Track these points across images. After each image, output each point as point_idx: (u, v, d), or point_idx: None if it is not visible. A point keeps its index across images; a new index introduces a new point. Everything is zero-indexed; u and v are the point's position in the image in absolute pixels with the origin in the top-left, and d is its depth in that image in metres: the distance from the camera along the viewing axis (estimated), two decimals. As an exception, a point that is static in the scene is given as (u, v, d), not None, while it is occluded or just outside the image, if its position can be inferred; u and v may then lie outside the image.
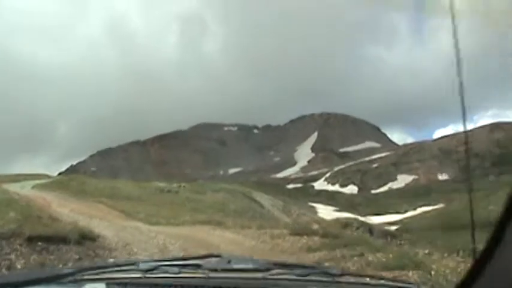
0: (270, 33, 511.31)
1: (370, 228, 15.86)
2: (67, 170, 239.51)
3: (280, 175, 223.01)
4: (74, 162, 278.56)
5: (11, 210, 15.99)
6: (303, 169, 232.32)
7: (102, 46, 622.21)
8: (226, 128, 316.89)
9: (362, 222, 16.38)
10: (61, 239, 9.00)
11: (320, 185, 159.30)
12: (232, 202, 41.03)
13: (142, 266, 2.18)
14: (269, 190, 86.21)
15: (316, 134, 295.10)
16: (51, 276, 2.13)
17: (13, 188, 30.60)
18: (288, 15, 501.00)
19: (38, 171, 77.37)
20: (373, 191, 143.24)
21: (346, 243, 10.41)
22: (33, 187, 35.60)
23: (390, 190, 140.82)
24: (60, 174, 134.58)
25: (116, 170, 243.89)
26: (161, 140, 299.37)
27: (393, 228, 34.25)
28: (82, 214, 18.70)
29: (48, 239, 8.70)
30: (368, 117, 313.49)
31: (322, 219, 18.30)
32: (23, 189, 31.18)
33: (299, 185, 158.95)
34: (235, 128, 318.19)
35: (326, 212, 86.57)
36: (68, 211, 19.51)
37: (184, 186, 48.49)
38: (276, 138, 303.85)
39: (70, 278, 2.09)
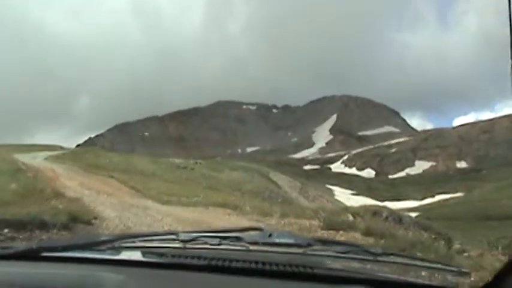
0: (294, 16, 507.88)
1: (400, 218, 14.50)
2: (85, 142, 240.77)
3: (297, 156, 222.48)
4: (92, 135, 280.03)
5: (14, 181, 14.98)
6: (321, 151, 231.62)
7: (125, 20, 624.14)
8: (245, 107, 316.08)
9: (391, 211, 15.03)
10: (42, 224, 7.29)
11: (337, 167, 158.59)
12: (249, 182, 40.09)
13: (182, 236, 2.13)
14: (286, 170, 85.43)
15: (335, 116, 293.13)
16: (88, 242, 2.13)
17: (24, 158, 29.80)
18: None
19: (56, 142, 77.31)
20: (390, 176, 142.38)
21: (400, 246, 7.92)
22: (45, 158, 34.89)
23: (408, 176, 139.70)
24: (77, 146, 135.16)
25: (133, 144, 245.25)
26: (180, 116, 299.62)
27: (413, 215, 33.06)
28: (90, 189, 17.63)
29: (21, 225, 6.92)
30: (388, 101, 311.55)
31: (351, 207, 16.87)
32: (34, 160, 30.41)
33: (316, 167, 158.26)
34: (254, 107, 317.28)
35: (343, 196, 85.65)
36: (76, 185, 18.53)
37: (200, 163, 47.60)
38: (294, 119, 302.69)
39: (108, 245, 2.06)
